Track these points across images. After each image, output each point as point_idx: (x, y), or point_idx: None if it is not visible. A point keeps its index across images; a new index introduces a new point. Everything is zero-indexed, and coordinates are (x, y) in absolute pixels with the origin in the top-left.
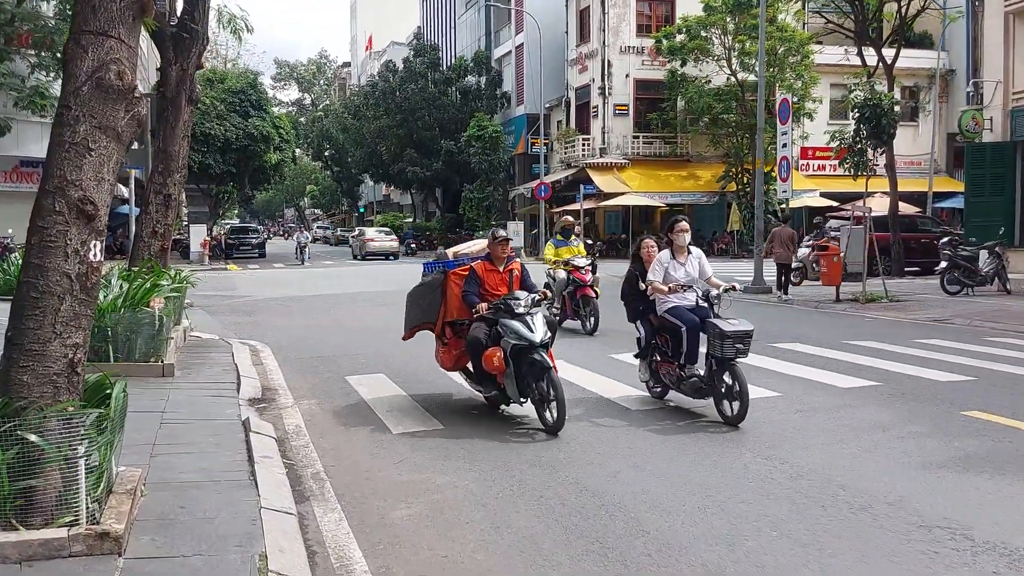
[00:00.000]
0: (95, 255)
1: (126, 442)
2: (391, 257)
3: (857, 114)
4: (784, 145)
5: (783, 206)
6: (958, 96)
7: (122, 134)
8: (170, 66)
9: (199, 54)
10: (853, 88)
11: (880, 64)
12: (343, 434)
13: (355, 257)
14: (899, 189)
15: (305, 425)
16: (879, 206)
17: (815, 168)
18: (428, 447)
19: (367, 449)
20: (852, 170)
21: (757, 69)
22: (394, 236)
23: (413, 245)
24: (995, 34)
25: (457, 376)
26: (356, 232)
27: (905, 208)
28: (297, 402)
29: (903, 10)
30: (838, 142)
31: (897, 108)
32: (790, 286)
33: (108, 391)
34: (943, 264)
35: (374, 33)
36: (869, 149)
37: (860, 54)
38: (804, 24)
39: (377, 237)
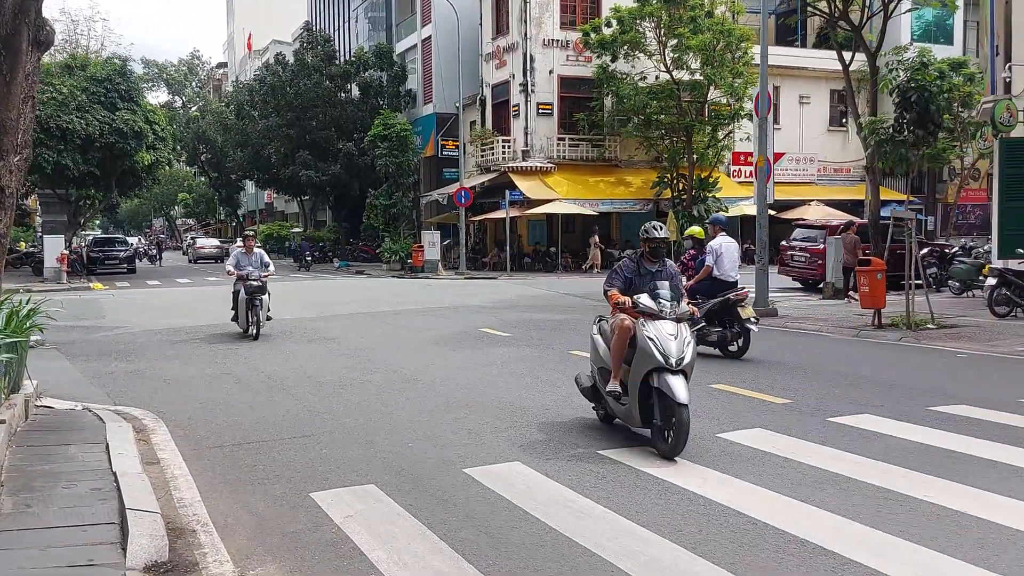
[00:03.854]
0: None
1: None
2: (218, 260)
3: (898, 99)
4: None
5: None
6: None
7: None
8: None
9: None
10: (893, 68)
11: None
12: None
13: (190, 261)
14: (831, 197)
15: None
16: (817, 215)
17: (747, 175)
18: None
19: None
20: (890, 165)
21: (693, 64)
22: (217, 243)
23: (309, 257)
24: None
25: (502, 488)
26: (188, 240)
27: (843, 217)
28: (242, 572)
29: None
30: (873, 133)
31: (947, 94)
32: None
33: None
34: (991, 281)
35: (254, 31)
36: (912, 141)
37: (839, 50)
38: (735, 17)
39: (206, 244)
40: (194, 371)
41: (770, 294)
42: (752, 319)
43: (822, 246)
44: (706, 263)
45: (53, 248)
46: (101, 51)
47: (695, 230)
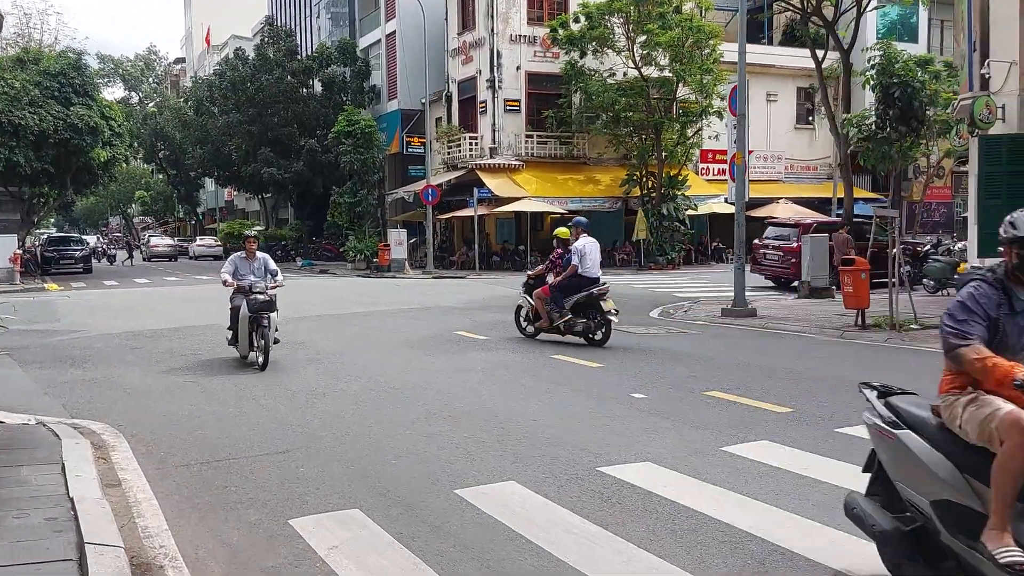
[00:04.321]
0: None
1: None
2: (172, 259)
3: (881, 95)
4: (736, 140)
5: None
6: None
7: None
8: None
9: None
10: (875, 64)
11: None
12: None
13: (144, 259)
14: (798, 195)
15: None
16: (785, 213)
17: (715, 172)
18: None
19: None
20: (873, 164)
21: (662, 61)
22: (171, 241)
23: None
24: (1007, 8)
25: (498, 512)
26: (144, 239)
27: (813, 215)
28: None
29: None
30: (855, 129)
31: (928, 89)
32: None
33: None
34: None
35: (212, 26)
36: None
37: (812, 47)
38: (704, 13)
39: (159, 243)
40: (155, 379)
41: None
42: (612, 311)
43: (795, 244)
44: (572, 262)
45: (6, 248)
46: (55, 45)
47: (562, 231)
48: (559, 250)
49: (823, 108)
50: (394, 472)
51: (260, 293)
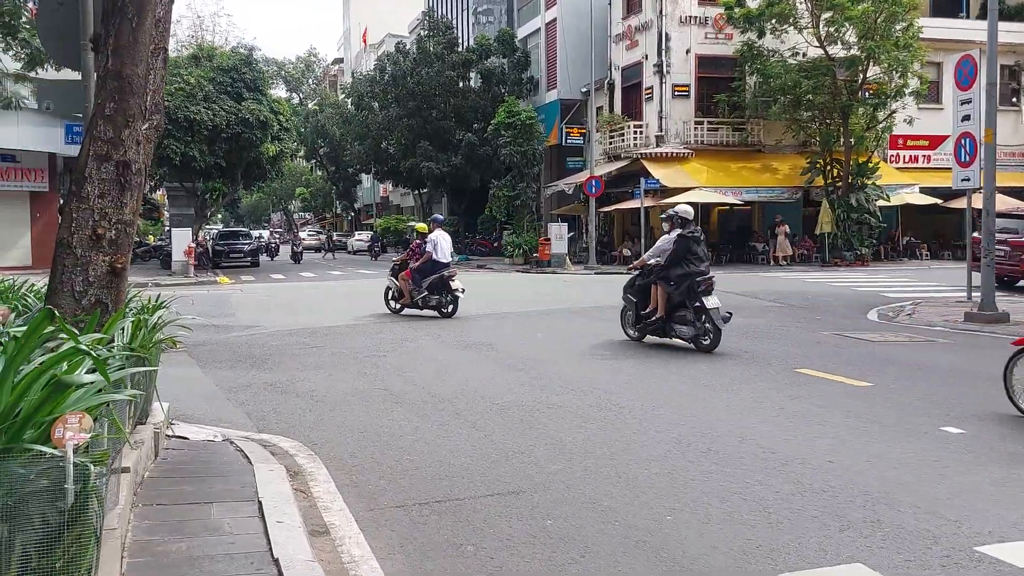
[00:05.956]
0: None
1: None
2: (320, 252)
3: None
4: (966, 118)
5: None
6: None
7: None
8: None
9: None
10: None
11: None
12: None
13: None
14: (1003, 184)
15: None
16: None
17: (906, 160)
18: None
19: None
20: None
21: (850, 38)
22: (317, 237)
23: (378, 248)
24: None
25: None
26: (293, 236)
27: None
28: None
29: None
30: None
31: None
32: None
33: None
34: None
35: (369, 26)
36: None
37: None
38: None
39: (307, 238)
40: (343, 384)
41: (973, 294)
42: (460, 289)
43: None
44: (427, 250)
45: (180, 241)
46: (225, 46)
47: (420, 226)
48: (417, 241)
49: None
50: (677, 537)
51: None
